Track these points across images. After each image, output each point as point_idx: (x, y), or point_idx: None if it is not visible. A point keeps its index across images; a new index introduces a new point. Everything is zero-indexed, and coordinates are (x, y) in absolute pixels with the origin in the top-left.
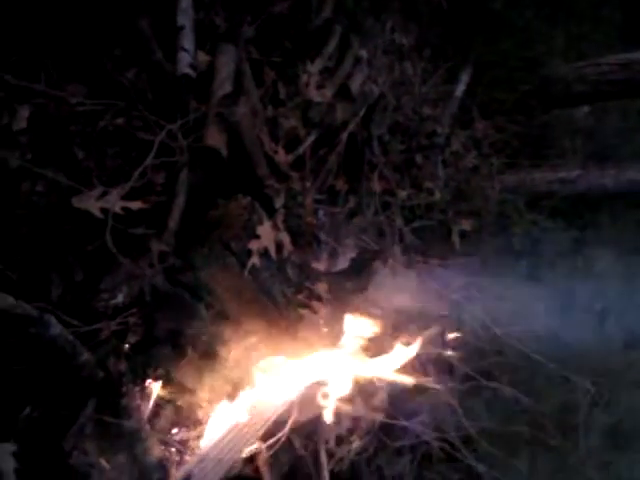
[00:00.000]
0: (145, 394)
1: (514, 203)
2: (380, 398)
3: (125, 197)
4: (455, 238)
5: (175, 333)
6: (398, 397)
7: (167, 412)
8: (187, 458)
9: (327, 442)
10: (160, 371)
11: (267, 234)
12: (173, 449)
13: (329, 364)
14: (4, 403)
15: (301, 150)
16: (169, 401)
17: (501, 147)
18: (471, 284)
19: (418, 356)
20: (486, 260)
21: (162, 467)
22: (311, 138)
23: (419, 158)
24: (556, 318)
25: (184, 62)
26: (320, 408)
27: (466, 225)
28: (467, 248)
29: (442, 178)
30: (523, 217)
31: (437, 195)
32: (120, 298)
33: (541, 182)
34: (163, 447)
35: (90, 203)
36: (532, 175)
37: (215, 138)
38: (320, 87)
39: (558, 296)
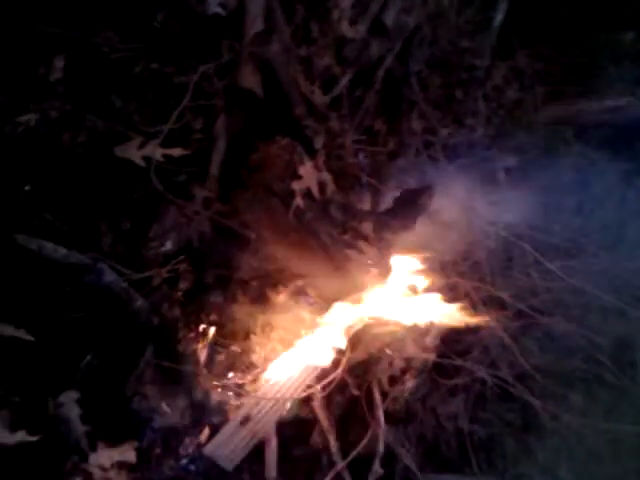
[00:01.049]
0: (200, 339)
1: (561, 135)
2: (432, 338)
3: (166, 144)
4: (500, 175)
5: (224, 279)
6: (450, 336)
7: (222, 357)
8: (244, 401)
9: (381, 382)
10: (213, 316)
11: (309, 174)
12: (230, 392)
13: (379, 304)
14: (65, 352)
15: (337, 89)
16: (224, 346)
17: (544, 77)
18: (520, 220)
19: (469, 294)
20: (534, 195)
21: (221, 410)
22: (347, 77)
23: (459, 93)
24: (608, 251)
25: (213, 2)
26: (373, 348)
27: (511, 161)
28: (514, 184)
29: (484, 113)
30: (571, 149)
31: (479, 131)
32: (169, 245)
33: (588, 112)
34: (220, 390)
35: (132, 152)
36: (578, 105)
37: (250, 79)
38: (353, 23)
39: (608, 230)
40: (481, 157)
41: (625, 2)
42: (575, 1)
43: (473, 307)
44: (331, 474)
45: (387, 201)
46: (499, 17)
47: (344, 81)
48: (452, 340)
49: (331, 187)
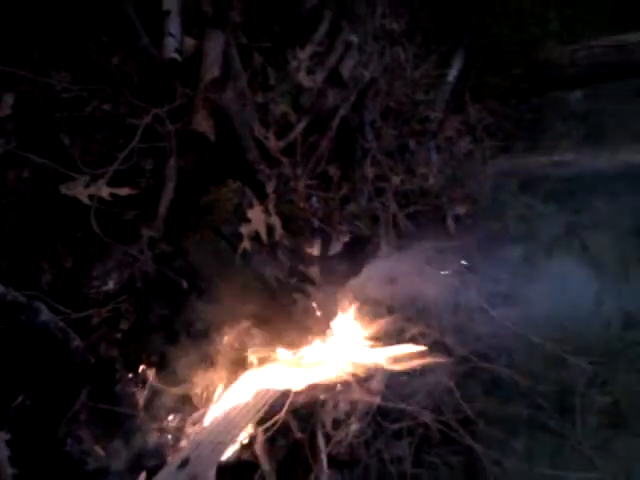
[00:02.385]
0: (139, 381)
1: (508, 187)
2: (376, 381)
3: (114, 184)
4: (450, 223)
5: (168, 319)
6: (395, 380)
7: (162, 399)
8: (183, 444)
9: (324, 426)
10: (154, 357)
11: (258, 218)
12: (169, 435)
13: (323, 350)
14: None
15: (292, 136)
16: (164, 388)
17: (494, 131)
18: (466, 268)
19: (415, 339)
20: (481, 244)
21: (158, 453)
22: (302, 124)
23: (412, 143)
24: (552, 301)
25: (171, 47)
26: (317, 391)
27: (461, 210)
28: (462, 233)
29: (436, 163)
30: (518, 201)
31: (431, 180)
32: (111, 285)
33: (535, 166)
34: (159, 433)
35: (78, 190)
36: (526, 159)
37: (203, 123)
38: (310, 72)
39: (554, 279)
40: (432, 205)
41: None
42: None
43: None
44: None
45: (337, 246)
46: (453, 72)
47: (299, 128)
48: (396, 384)
49: (279, 231)
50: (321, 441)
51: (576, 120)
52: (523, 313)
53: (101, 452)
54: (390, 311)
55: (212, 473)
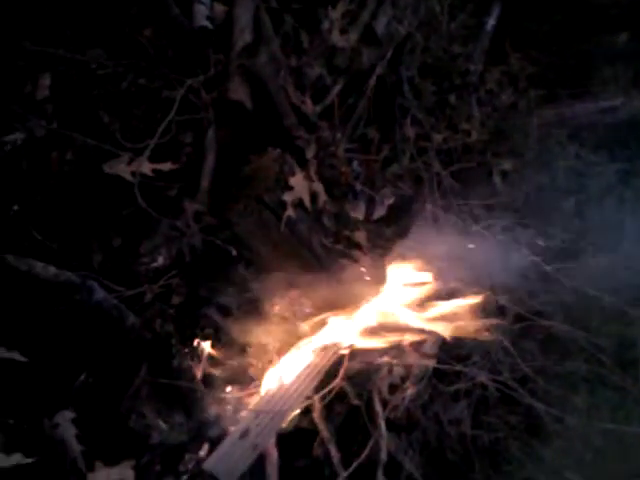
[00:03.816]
0: (196, 354)
1: (556, 138)
2: (431, 344)
3: (155, 159)
4: (496, 179)
5: (218, 292)
6: (449, 342)
7: (219, 371)
8: (243, 414)
9: (380, 391)
10: (208, 330)
11: (300, 185)
12: (228, 406)
13: (375, 313)
14: (59, 372)
15: (329, 99)
16: (220, 360)
17: (538, 80)
18: (516, 224)
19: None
20: (530, 199)
21: (219, 424)
22: (338, 86)
23: (453, 99)
24: (606, 252)
25: (201, 15)
26: (372, 356)
27: (507, 164)
28: (509, 188)
29: (478, 118)
30: (566, 151)
31: (474, 136)
32: (160, 261)
33: (583, 113)
34: (218, 405)
35: (121, 168)
36: (573, 107)
37: (238, 91)
38: (344, 32)
39: (607, 230)
40: (476, 162)
41: (617, 4)
42: (567, 4)
43: (472, 312)
44: None
45: (381, 209)
46: (491, 22)
47: (335, 90)
48: (451, 346)
49: (323, 197)
50: (378, 406)
51: (623, 63)
52: (577, 267)
53: (164, 426)
54: (440, 273)
55: (272, 442)
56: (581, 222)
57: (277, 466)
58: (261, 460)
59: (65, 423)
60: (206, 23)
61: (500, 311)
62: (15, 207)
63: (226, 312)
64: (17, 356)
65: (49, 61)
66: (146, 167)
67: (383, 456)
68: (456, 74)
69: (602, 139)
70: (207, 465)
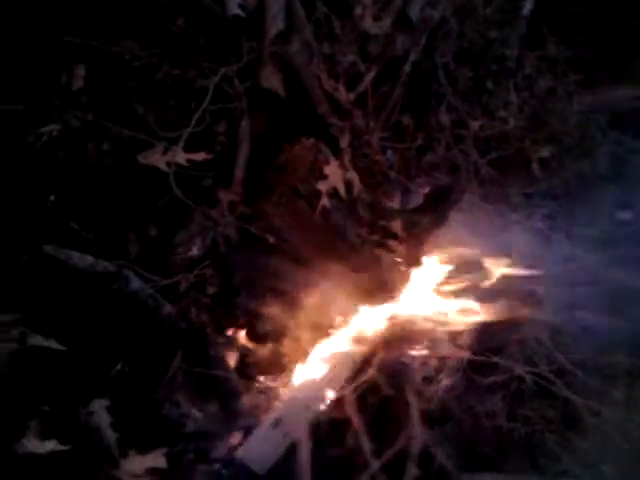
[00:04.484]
0: (230, 344)
1: (596, 123)
2: (466, 335)
3: (190, 150)
4: (535, 166)
5: (252, 282)
6: (485, 333)
7: (253, 360)
8: (276, 404)
9: (414, 382)
10: (242, 320)
11: (335, 174)
12: (261, 396)
13: (410, 303)
14: (95, 360)
15: (362, 86)
16: (254, 349)
17: (577, 65)
18: (556, 213)
19: (503, 291)
20: (569, 187)
21: (252, 413)
22: (372, 73)
23: (489, 85)
24: None
25: (233, 3)
26: (405, 348)
27: (545, 152)
28: (548, 176)
29: (516, 104)
30: (607, 138)
31: (512, 122)
32: (195, 250)
33: (624, 98)
34: (252, 394)
35: (156, 158)
36: (613, 92)
37: (271, 79)
38: (377, 18)
39: None
40: (514, 149)
41: None
42: None
43: (510, 303)
44: (366, 475)
45: (417, 198)
46: (528, 5)
47: (369, 77)
48: (487, 337)
49: (358, 186)
50: (412, 397)
51: None
52: (619, 256)
53: (198, 414)
54: (478, 263)
55: (304, 431)
56: (622, 209)
57: (309, 456)
58: (293, 449)
59: (100, 411)
60: (238, 11)
61: (539, 302)
62: (52, 198)
63: (261, 301)
64: (54, 344)
65: (84, 52)
66: (181, 157)
67: (416, 448)
68: (492, 59)
69: None
70: (240, 454)
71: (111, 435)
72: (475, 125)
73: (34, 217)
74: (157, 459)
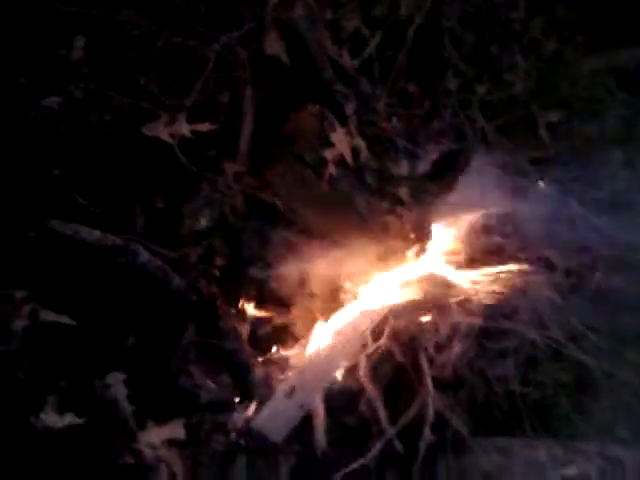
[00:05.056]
0: (241, 315)
1: (604, 85)
2: (477, 301)
3: (194, 120)
4: (543, 131)
5: (261, 253)
6: (496, 299)
7: (264, 331)
8: (289, 374)
9: (427, 349)
10: (252, 291)
11: (341, 141)
12: (274, 366)
13: (420, 271)
14: (108, 334)
15: (367, 52)
16: (265, 320)
17: (585, 26)
18: (565, 177)
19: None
20: (578, 150)
21: (266, 383)
22: (376, 38)
23: (495, 49)
24: None
25: None
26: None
27: (553, 116)
28: (557, 140)
29: (523, 68)
30: (615, 100)
31: (518, 87)
32: (203, 222)
33: (633, 59)
34: (265, 365)
35: (160, 129)
36: (622, 53)
37: (275, 46)
38: None
39: None
40: (522, 114)
41: None
42: None
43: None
44: (381, 442)
45: (425, 165)
46: None
47: (373, 43)
48: (499, 303)
49: (365, 153)
50: (424, 364)
51: None
52: (629, 220)
53: (212, 385)
54: (487, 229)
55: (319, 400)
56: (632, 174)
57: (324, 424)
58: (308, 419)
59: (116, 384)
60: None
61: (550, 266)
62: (56, 172)
63: (270, 272)
64: (66, 319)
65: (83, 22)
66: (184, 128)
67: (430, 414)
68: (498, 23)
69: None
70: (255, 424)
71: (127, 407)
72: (481, 90)
73: (39, 192)
74: (175, 430)
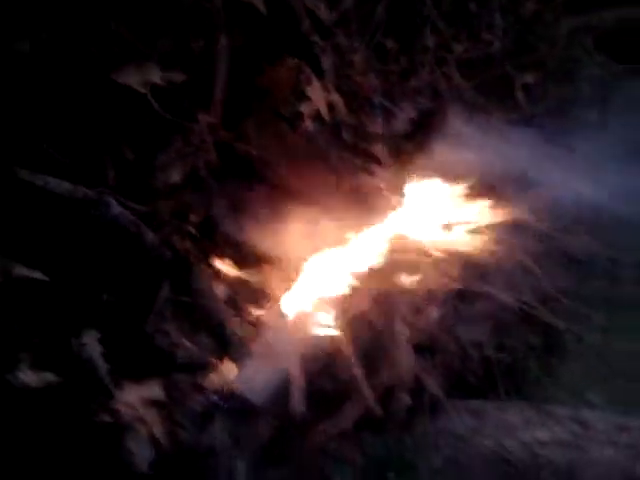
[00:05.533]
0: (217, 274)
1: (582, 45)
2: (453, 265)
3: (167, 69)
4: (519, 92)
5: (236, 210)
6: (471, 262)
7: (241, 291)
8: (266, 335)
9: (404, 314)
10: (227, 249)
11: (318, 95)
12: (251, 326)
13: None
14: (82, 290)
15: (345, 5)
16: (241, 280)
17: None
18: (539, 138)
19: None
20: (553, 112)
21: (243, 344)
22: None
23: (474, 7)
24: (632, 169)
25: None
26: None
27: (530, 78)
28: (532, 102)
29: (501, 26)
30: (592, 61)
31: (496, 45)
32: (175, 176)
33: (612, 20)
34: (241, 325)
35: (131, 78)
36: (601, 13)
37: None
38: None
39: (634, 145)
40: (498, 74)
41: None
42: None
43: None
44: (360, 406)
45: (401, 123)
46: None
47: None
48: (473, 267)
49: (341, 109)
50: (402, 328)
51: None
52: (602, 183)
53: (189, 344)
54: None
55: (296, 363)
56: (606, 135)
57: (303, 387)
58: (286, 382)
59: (92, 342)
60: None
61: (523, 229)
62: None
63: (245, 229)
64: (38, 275)
65: None
66: (156, 76)
67: (407, 378)
68: None
69: (632, 48)
70: (234, 385)
71: (103, 366)
72: (459, 48)
73: (4, 140)
74: (152, 389)
